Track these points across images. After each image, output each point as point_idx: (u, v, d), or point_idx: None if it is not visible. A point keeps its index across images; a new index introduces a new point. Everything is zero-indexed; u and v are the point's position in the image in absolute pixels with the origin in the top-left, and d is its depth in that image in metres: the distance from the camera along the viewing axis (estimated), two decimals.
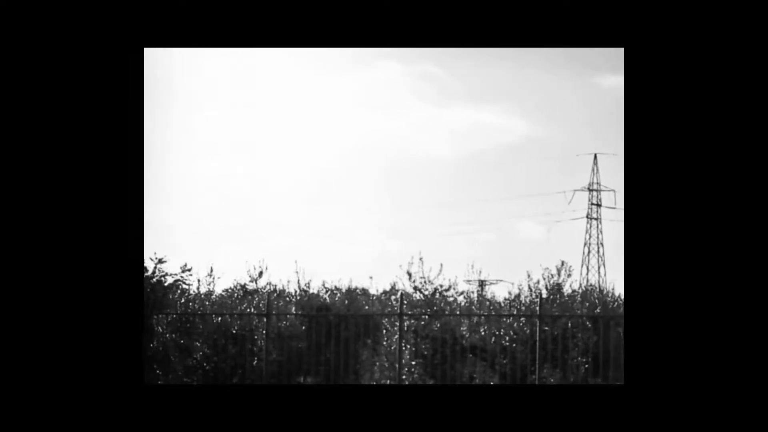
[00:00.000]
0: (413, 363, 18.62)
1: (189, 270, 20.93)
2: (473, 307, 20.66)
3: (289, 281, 24.94)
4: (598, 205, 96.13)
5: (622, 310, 20.95)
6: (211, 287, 22.38)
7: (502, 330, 19.01)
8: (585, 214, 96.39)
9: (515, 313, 19.67)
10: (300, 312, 22.13)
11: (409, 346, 18.72)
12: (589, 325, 18.90)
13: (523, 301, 20.08)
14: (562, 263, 20.84)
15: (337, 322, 19.51)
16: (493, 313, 19.86)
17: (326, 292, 25.16)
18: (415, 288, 20.39)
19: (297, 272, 24.89)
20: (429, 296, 20.24)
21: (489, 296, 22.02)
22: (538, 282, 20.43)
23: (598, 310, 20.30)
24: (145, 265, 18.58)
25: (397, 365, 18.00)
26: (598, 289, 23.69)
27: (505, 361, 18.69)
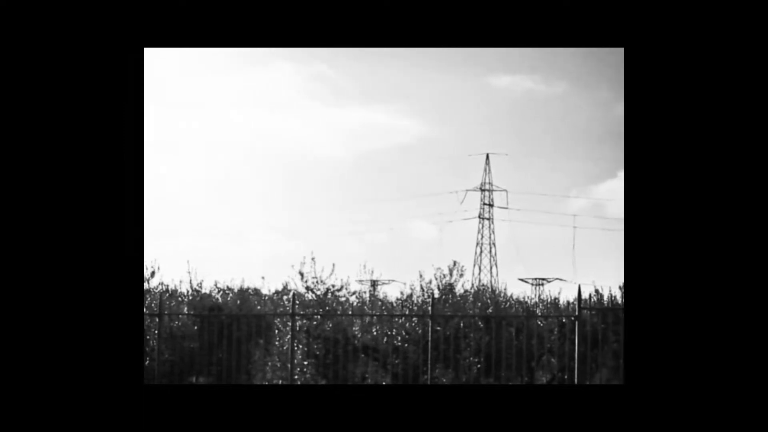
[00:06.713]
0: (305, 363, 18.59)
1: None
2: (365, 307, 20.68)
3: (181, 281, 24.67)
4: (490, 205, 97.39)
5: (513, 310, 21.19)
6: None
7: (395, 330, 19.07)
8: (477, 214, 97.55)
9: (407, 313, 19.73)
10: (192, 312, 21.94)
11: (301, 346, 18.68)
12: (482, 325, 19.04)
13: (416, 301, 20.11)
14: (455, 263, 20.90)
15: (230, 322, 19.36)
16: (386, 313, 19.90)
17: (218, 292, 24.99)
18: (308, 288, 20.33)
19: (189, 272, 24.62)
20: (321, 296, 20.21)
21: (381, 296, 22.03)
22: (430, 282, 20.46)
23: (490, 310, 20.45)
24: None
25: (289, 365, 17.94)
26: (490, 289, 23.82)
27: (397, 361, 18.76)
